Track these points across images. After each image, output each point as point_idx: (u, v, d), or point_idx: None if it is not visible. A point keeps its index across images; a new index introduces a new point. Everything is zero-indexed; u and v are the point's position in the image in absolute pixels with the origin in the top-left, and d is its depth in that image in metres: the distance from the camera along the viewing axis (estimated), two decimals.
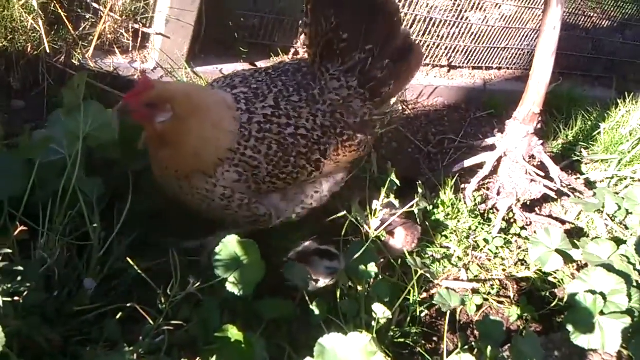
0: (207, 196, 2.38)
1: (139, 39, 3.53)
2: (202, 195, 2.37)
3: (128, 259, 1.93)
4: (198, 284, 1.92)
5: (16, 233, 1.71)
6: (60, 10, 3.16)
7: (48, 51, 3.10)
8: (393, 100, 3.72)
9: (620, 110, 4.67)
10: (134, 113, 2.18)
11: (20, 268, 1.67)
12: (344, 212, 2.70)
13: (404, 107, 4.36)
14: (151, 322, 1.87)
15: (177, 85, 2.64)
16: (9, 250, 1.60)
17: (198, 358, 1.72)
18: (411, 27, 4.43)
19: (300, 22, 3.87)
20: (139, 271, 1.93)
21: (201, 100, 2.31)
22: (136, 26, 3.48)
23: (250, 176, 2.38)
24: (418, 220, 3.18)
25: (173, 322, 1.90)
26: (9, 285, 1.63)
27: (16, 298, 1.66)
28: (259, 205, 2.50)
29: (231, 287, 2.11)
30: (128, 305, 1.90)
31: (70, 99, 2.45)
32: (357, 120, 2.62)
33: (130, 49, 3.55)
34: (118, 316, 1.95)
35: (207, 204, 2.41)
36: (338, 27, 2.52)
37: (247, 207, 2.45)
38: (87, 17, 3.34)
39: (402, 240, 2.96)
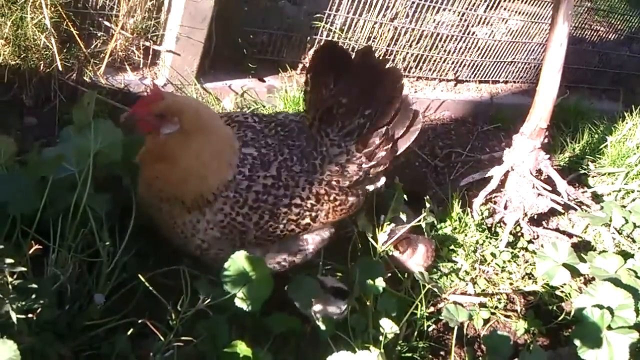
0: (183, 232, 2.34)
1: (150, 56, 3.58)
2: (179, 228, 2.34)
3: (138, 275, 1.96)
4: (208, 300, 1.94)
5: (31, 251, 1.74)
6: (72, 29, 3.21)
7: (60, 69, 3.15)
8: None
9: (627, 123, 4.68)
10: (142, 122, 2.20)
11: (34, 285, 1.70)
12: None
13: None
14: (162, 337, 1.89)
15: (188, 99, 2.65)
16: (24, 269, 1.63)
17: None
18: (418, 42, 4.47)
19: (303, 57, 3.95)
20: (149, 286, 1.95)
21: (209, 121, 2.33)
22: (147, 44, 3.53)
23: (237, 238, 2.36)
24: (425, 234, 3.21)
25: (183, 338, 1.91)
26: (23, 303, 1.66)
27: (30, 315, 1.69)
28: None
29: (240, 303, 2.13)
30: (139, 321, 1.92)
31: (80, 116, 2.49)
32: (350, 184, 2.59)
33: (141, 66, 3.60)
34: (129, 332, 1.98)
35: (183, 241, 2.38)
36: (338, 93, 2.56)
37: (222, 260, 2.25)
38: (99, 34, 3.39)
39: (422, 255, 2.98)
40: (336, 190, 2.54)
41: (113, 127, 2.49)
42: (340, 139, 2.58)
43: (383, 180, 2.82)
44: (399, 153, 2.73)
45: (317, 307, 2.48)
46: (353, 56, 2.61)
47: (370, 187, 2.77)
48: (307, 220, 2.49)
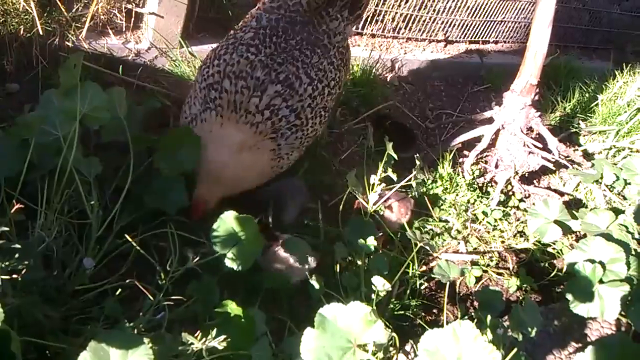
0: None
1: (132, 19, 3.50)
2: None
3: (126, 236, 1.93)
4: (197, 259, 1.92)
5: (13, 211, 1.70)
6: None
7: (41, 33, 3.07)
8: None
9: (618, 81, 4.65)
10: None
11: (18, 246, 1.68)
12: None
13: (401, 83, 4.34)
14: (151, 297, 1.87)
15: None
16: (6, 228, 1.60)
17: (199, 332, 1.72)
18: (407, 2, 4.41)
19: None
20: (138, 248, 1.93)
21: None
22: (129, 6, 3.45)
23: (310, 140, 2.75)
24: (416, 194, 3.20)
25: (173, 297, 1.90)
26: (7, 263, 1.63)
27: (15, 276, 1.66)
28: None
29: (230, 263, 2.11)
30: (127, 282, 1.90)
31: (67, 78, 2.44)
32: (348, 38, 2.86)
33: (124, 30, 3.52)
34: (118, 293, 1.95)
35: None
36: None
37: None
38: None
39: (396, 212, 2.97)
40: (345, 52, 2.81)
41: (100, 90, 2.44)
42: (337, 12, 2.73)
43: None
44: None
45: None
46: None
47: None
48: (337, 90, 2.80)
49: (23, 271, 1.67)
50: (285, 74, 2.49)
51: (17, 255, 1.66)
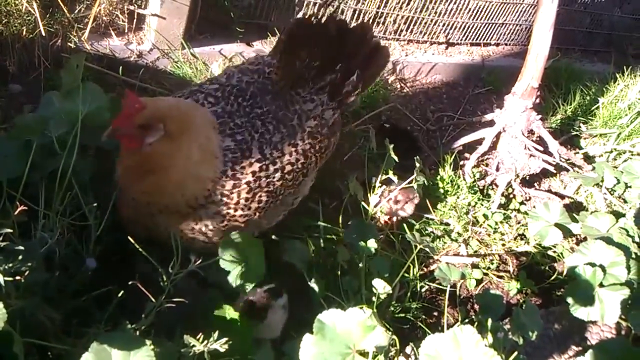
0: (183, 237, 2.23)
1: (135, 21, 3.51)
2: (180, 235, 2.19)
3: (128, 237, 1.93)
4: (199, 261, 1.92)
5: (16, 212, 1.71)
6: None
7: (44, 34, 3.08)
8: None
9: (618, 84, 4.65)
10: (125, 137, 2.02)
11: (21, 248, 1.68)
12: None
13: (402, 85, 4.34)
14: (153, 300, 1.87)
15: (168, 100, 2.33)
16: (10, 230, 1.61)
17: (200, 334, 1.73)
18: (408, 4, 4.41)
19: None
20: (139, 248, 1.93)
21: (192, 117, 2.18)
22: (131, 7, 3.46)
23: (239, 226, 2.30)
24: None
25: (175, 299, 1.90)
26: (10, 265, 1.64)
27: (17, 278, 1.67)
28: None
29: (233, 280, 2.11)
30: (130, 283, 1.90)
31: (68, 79, 2.45)
32: (329, 127, 2.58)
33: (126, 31, 3.53)
34: (120, 294, 1.96)
35: (185, 244, 2.17)
36: (311, 60, 2.51)
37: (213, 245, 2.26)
38: None
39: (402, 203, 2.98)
40: (318, 138, 2.51)
41: (101, 91, 2.45)
42: (312, 94, 2.55)
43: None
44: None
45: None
46: (321, 25, 2.52)
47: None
48: (301, 178, 2.49)
49: (26, 273, 1.68)
50: (240, 137, 2.28)
51: (20, 257, 1.66)
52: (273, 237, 2.66)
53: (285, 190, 2.42)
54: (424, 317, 2.74)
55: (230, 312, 2.07)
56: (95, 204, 2.09)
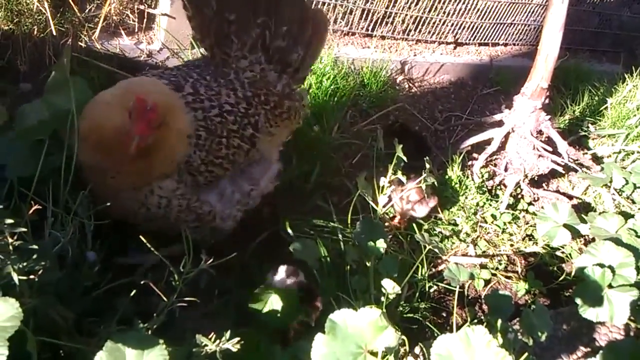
0: (146, 204, 2.26)
1: (145, 20, 3.53)
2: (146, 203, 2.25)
3: (141, 237, 1.94)
4: (210, 260, 1.93)
5: (30, 212, 1.72)
6: None
7: (54, 33, 3.11)
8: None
9: (627, 84, 4.65)
10: (149, 139, 2.05)
11: (35, 247, 1.69)
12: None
13: (410, 85, 4.35)
14: (164, 299, 1.88)
15: (158, 90, 2.27)
16: (24, 229, 1.62)
17: (213, 334, 1.74)
18: (417, 4, 4.41)
19: None
20: (150, 247, 1.94)
21: (175, 102, 2.23)
22: (141, 7, 3.48)
23: (184, 169, 2.27)
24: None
25: (186, 298, 1.91)
26: (24, 264, 1.65)
27: (31, 276, 1.68)
28: (200, 203, 2.38)
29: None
30: (142, 282, 1.91)
31: (58, 74, 2.45)
32: (278, 88, 2.54)
33: (136, 30, 3.55)
34: (132, 293, 1.97)
35: (145, 214, 2.28)
36: (222, 10, 2.40)
37: (187, 209, 2.32)
38: None
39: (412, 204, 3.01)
40: (264, 90, 2.48)
41: (86, 86, 2.44)
42: (243, 52, 2.47)
43: None
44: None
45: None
46: None
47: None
48: (250, 130, 2.43)
49: (39, 272, 1.69)
50: (175, 79, 2.32)
51: (34, 256, 1.67)
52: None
53: (229, 135, 2.35)
54: (432, 317, 2.75)
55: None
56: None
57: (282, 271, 2.37)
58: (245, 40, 2.46)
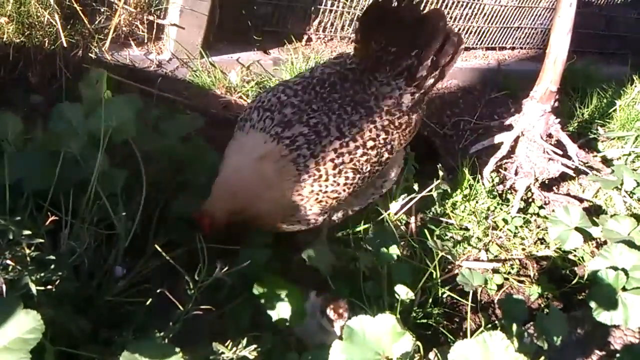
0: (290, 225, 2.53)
1: (154, 31, 3.56)
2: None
3: (156, 246, 1.95)
4: (225, 269, 1.93)
5: (47, 223, 1.74)
6: (75, 4, 3.17)
7: (65, 45, 3.12)
8: None
9: (635, 86, 4.64)
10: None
11: (52, 257, 1.70)
12: None
13: None
14: (180, 307, 1.89)
15: (225, 192, 2.39)
16: (41, 240, 1.63)
17: (229, 342, 1.74)
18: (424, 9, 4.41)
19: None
20: (165, 256, 1.95)
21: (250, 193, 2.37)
22: (150, 18, 3.50)
23: (335, 203, 2.48)
24: (437, 202, 3.20)
25: (202, 307, 1.91)
26: (42, 275, 1.66)
27: (49, 287, 1.69)
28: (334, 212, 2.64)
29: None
30: (158, 291, 1.92)
31: (89, 94, 2.46)
32: (409, 107, 2.64)
33: (146, 41, 3.57)
34: (148, 302, 1.98)
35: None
36: (387, 45, 2.62)
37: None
38: (102, 10, 3.36)
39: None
40: (397, 115, 2.59)
41: (126, 103, 2.46)
42: (389, 79, 2.63)
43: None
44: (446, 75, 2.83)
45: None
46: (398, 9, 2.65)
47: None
48: (386, 155, 2.56)
49: (57, 282, 1.71)
50: (316, 120, 2.42)
51: (52, 267, 1.69)
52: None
53: (371, 167, 2.51)
54: (445, 322, 2.75)
55: None
56: (121, 213, 2.11)
57: (312, 296, 2.35)
58: (396, 68, 2.64)
